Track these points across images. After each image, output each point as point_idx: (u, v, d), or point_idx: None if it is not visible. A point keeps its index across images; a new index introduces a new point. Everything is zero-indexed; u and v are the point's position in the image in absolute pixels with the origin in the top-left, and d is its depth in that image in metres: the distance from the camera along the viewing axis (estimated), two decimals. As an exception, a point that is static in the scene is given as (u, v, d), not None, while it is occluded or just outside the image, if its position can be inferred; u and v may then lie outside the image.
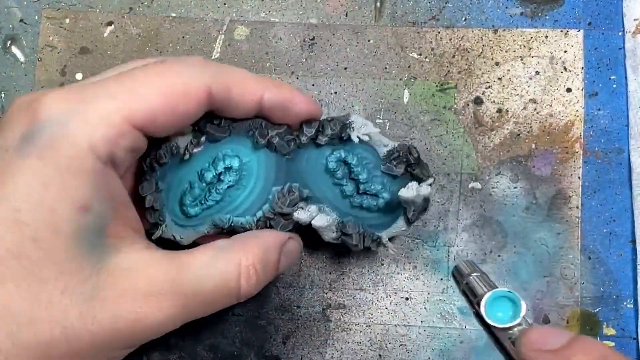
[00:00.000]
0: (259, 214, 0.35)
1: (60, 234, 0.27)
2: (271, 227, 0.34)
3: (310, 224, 0.34)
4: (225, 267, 0.31)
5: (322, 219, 0.34)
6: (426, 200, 0.34)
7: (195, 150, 0.33)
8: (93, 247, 0.29)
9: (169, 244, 0.33)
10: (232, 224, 0.34)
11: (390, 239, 0.36)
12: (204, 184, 0.35)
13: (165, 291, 0.29)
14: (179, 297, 0.30)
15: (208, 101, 0.31)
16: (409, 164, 0.35)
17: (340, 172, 0.36)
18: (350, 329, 0.39)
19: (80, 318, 0.28)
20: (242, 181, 0.35)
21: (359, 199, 0.36)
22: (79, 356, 0.28)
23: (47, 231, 0.27)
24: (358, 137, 0.34)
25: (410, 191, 0.34)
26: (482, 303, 0.27)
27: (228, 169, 0.35)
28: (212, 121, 0.33)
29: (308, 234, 0.36)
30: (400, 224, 0.36)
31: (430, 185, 0.34)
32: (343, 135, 0.35)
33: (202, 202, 0.35)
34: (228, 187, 0.35)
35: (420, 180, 0.35)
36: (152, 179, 0.33)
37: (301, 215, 0.34)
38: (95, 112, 0.28)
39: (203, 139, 0.33)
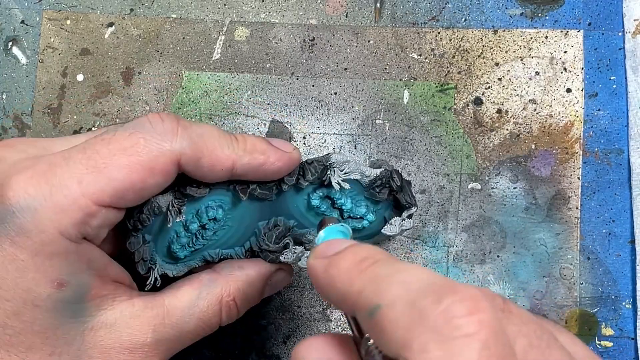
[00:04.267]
0: (247, 245, 0.35)
1: (40, 309, 0.29)
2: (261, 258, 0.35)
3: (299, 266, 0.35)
4: (207, 306, 0.32)
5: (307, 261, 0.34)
6: (410, 217, 0.35)
7: (177, 219, 0.33)
8: (74, 312, 0.30)
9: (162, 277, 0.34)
10: (222, 257, 0.35)
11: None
12: (190, 234, 0.34)
13: (149, 342, 0.30)
14: (162, 343, 0.31)
15: (177, 171, 0.30)
16: (392, 190, 0.35)
17: (324, 207, 0.36)
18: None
19: None
20: (227, 223, 0.35)
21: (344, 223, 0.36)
22: None
23: (26, 307, 0.29)
24: (338, 183, 0.34)
25: (393, 229, 0.34)
26: (318, 236, 0.29)
27: (212, 219, 0.34)
28: (192, 183, 0.32)
29: None
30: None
31: (410, 216, 0.35)
32: (324, 179, 0.34)
33: (190, 245, 0.35)
34: (214, 232, 0.35)
35: (402, 208, 0.35)
36: (138, 234, 0.33)
37: (288, 257, 0.34)
38: (62, 198, 0.28)
39: (184, 208, 0.33)
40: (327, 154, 0.35)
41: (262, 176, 0.33)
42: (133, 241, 0.33)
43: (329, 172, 0.34)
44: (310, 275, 0.25)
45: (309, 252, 0.34)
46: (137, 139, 0.29)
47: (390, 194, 0.36)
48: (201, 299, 0.32)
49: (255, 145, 0.32)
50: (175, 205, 0.32)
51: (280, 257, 0.34)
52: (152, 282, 0.34)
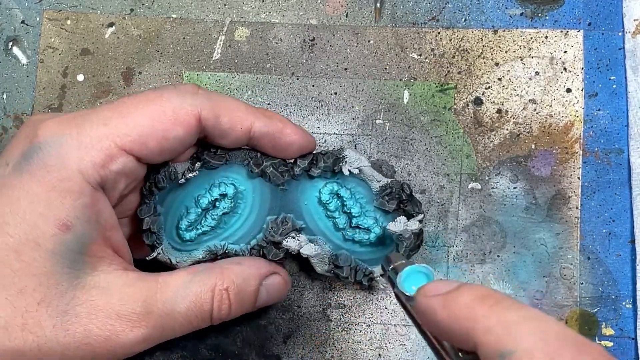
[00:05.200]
0: (253, 242, 0.35)
1: (41, 249, 0.29)
2: (264, 255, 0.35)
3: (300, 254, 0.35)
4: (200, 290, 0.32)
5: (310, 248, 0.35)
6: (418, 236, 0.35)
7: (190, 175, 0.34)
8: (72, 263, 0.30)
9: (164, 269, 0.34)
10: (227, 251, 0.35)
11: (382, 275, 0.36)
12: (200, 210, 0.35)
13: (139, 311, 0.30)
14: (151, 317, 0.31)
15: (198, 126, 0.32)
16: (401, 200, 0.36)
17: (332, 205, 0.36)
18: (350, 329, 0.39)
19: (53, 329, 0.29)
20: (237, 209, 0.36)
21: (351, 232, 0.37)
22: None
23: (28, 245, 0.29)
24: (349, 170, 0.35)
25: (398, 225, 0.35)
26: (399, 276, 0.29)
27: (223, 195, 0.35)
28: (210, 149, 0.35)
29: (304, 263, 0.36)
30: None
31: (419, 221, 0.35)
32: (335, 168, 0.35)
33: (198, 227, 0.36)
34: (223, 213, 0.36)
35: (410, 217, 0.35)
36: (150, 203, 0.34)
37: (290, 243, 0.35)
38: (87, 137, 0.30)
39: (198, 164, 0.34)
40: (341, 148, 0.37)
41: (278, 145, 0.34)
42: (144, 208, 0.34)
43: (340, 164, 0.35)
44: (425, 311, 0.26)
45: (311, 243, 0.35)
46: (161, 93, 0.32)
47: (399, 207, 0.36)
48: (194, 283, 0.32)
49: (274, 114, 0.34)
50: (190, 168, 0.34)
51: (283, 242, 0.35)
52: (154, 256, 0.34)
